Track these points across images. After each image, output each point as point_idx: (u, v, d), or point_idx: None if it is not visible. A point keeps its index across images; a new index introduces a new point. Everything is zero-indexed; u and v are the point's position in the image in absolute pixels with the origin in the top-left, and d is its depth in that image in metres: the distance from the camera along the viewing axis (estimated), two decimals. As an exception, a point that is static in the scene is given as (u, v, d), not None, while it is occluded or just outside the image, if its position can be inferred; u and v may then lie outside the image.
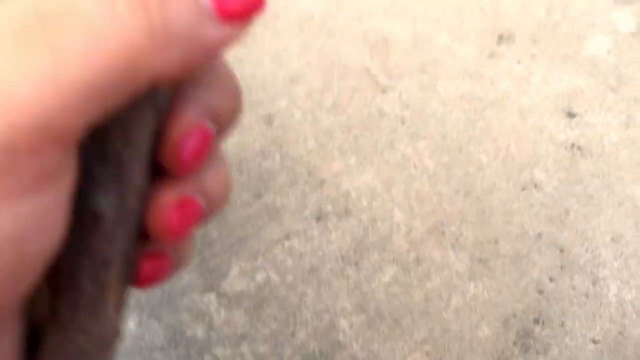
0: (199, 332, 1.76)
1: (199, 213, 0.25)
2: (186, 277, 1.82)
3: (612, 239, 1.88)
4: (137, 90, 0.20)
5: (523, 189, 2.02)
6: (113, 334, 0.27)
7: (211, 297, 1.76)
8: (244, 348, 1.71)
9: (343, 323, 1.78)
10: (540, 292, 1.80)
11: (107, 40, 0.18)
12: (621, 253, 1.86)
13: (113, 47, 0.18)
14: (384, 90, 2.22)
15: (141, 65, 0.19)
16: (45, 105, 0.18)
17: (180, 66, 0.20)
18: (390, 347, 1.74)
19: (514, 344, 1.73)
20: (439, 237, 1.91)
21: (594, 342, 1.73)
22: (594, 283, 1.81)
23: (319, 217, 1.96)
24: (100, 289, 0.25)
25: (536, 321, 1.75)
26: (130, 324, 1.73)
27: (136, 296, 1.76)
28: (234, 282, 1.79)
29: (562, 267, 1.83)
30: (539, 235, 1.90)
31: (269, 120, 2.18)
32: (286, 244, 1.90)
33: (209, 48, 0.21)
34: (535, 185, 2.03)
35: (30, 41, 0.18)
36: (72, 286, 0.24)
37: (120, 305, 0.27)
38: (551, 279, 1.82)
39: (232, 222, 1.91)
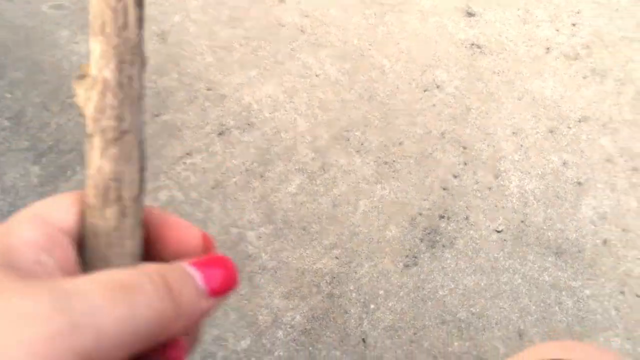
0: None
1: None
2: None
3: (513, 133, 1.91)
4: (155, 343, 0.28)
5: (425, 90, 2.01)
6: None
7: (112, 220, 1.69)
8: (150, 267, 1.66)
9: (251, 235, 1.76)
10: (445, 189, 1.81)
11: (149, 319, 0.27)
12: (521, 145, 1.89)
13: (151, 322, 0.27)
14: (282, 0, 2.14)
15: (166, 331, 0.28)
16: None
17: (184, 327, 0.30)
18: (300, 254, 1.73)
19: (421, 240, 1.75)
20: (344, 144, 1.89)
21: (498, 232, 1.76)
22: (496, 176, 1.83)
23: (221, 132, 1.90)
24: None
25: (442, 217, 1.77)
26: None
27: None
28: (136, 203, 1.72)
29: (465, 164, 1.84)
30: (442, 134, 1.91)
31: (163, 36, 2.07)
32: (188, 161, 1.84)
33: (201, 315, 0.31)
34: (437, 86, 2.03)
35: None
36: None
37: None
38: (455, 176, 1.83)
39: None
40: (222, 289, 0.31)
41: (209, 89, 1.98)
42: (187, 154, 1.86)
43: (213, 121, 1.92)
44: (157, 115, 1.91)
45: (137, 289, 0.27)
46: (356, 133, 1.93)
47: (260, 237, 1.76)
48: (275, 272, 1.74)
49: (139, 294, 0.27)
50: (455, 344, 1.66)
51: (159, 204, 1.76)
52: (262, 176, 1.84)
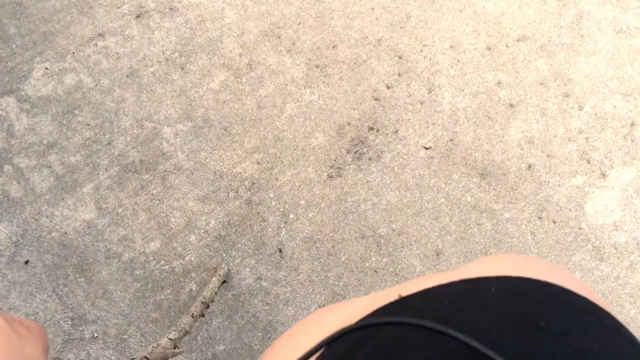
0: (-1, 142, 1.54)
1: None
2: (-24, 78, 1.54)
3: (451, 46, 1.83)
4: None
5: (365, -8, 1.88)
6: None
7: (10, 101, 1.52)
8: (52, 157, 1.52)
9: (167, 131, 1.64)
10: (377, 99, 1.74)
11: None
12: (458, 60, 1.82)
13: None
14: None
15: None
16: None
17: None
18: (219, 156, 1.63)
19: (348, 151, 1.68)
20: (274, 41, 1.76)
21: (426, 148, 1.72)
22: (430, 90, 1.77)
23: (139, 15, 1.72)
24: None
25: (371, 129, 1.70)
26: None
27: None
28: (38, 84, 1.56)
29: (399, 74, 1.76)
30: (379, 41, 1.81)
31: None
32: (100, 43, 1.67)
33: None
34: (378, -12, 1.90)
35: None
36: None
37: None
38: (388, 86, 1.76)
39: (34, 15, 1.63)
40: None
41: (128, -35, 1.77)
42: (99, 35, 1.68)
43: (131, 0, 1.73)
44: (66, -12, 1.70)
45: None
46: (288, 31, 1.80)
47: (177, 135, 1.64)
48: (192, 173, 1.64)
49: None
50: (373, 259, 1.64)
51: (63, 88, 1.60)
52: (182, 68, 1.69)
